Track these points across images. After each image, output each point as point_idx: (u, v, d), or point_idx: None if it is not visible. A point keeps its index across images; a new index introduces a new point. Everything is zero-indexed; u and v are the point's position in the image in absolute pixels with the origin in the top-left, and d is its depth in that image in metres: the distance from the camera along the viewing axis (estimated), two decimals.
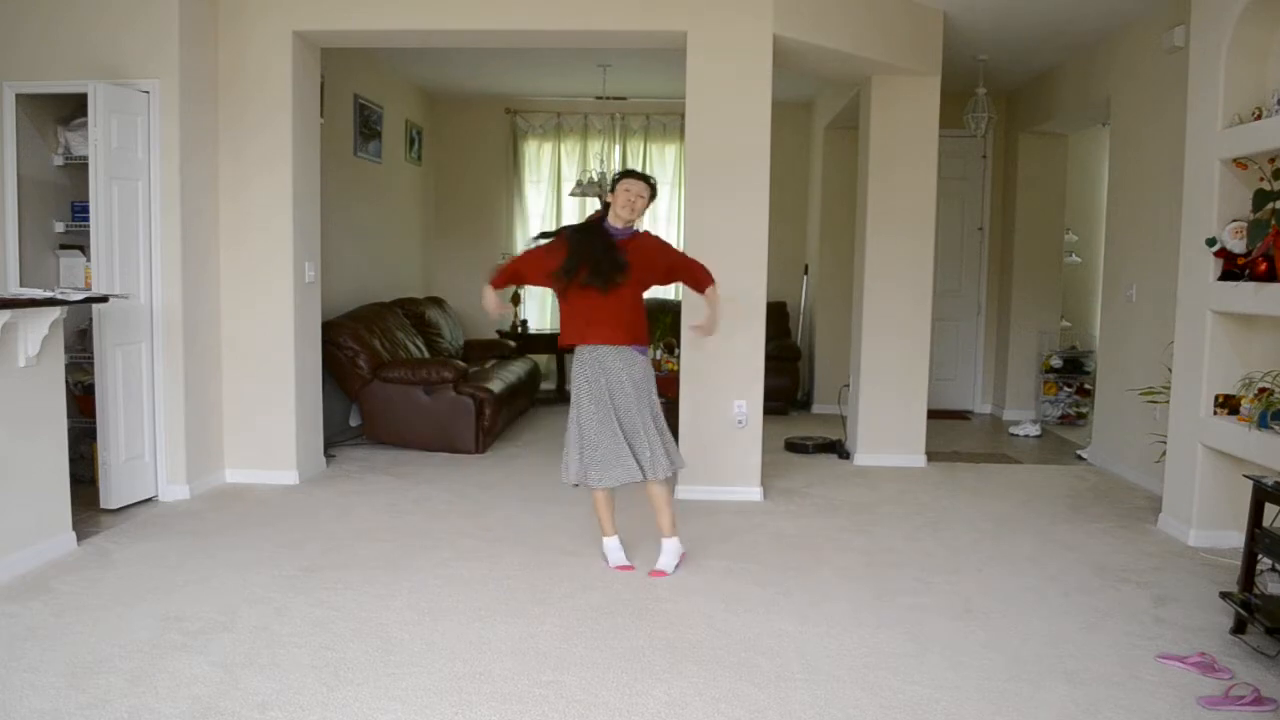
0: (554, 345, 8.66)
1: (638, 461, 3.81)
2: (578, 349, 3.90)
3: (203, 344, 5.08)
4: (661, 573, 3.89)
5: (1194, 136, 4.50)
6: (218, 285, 5.22)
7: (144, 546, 4.12)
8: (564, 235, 3.96)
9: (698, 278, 4.05)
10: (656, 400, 3.95)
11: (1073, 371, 7.76)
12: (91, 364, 4.64)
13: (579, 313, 3.85)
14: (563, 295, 3.87)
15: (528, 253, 4.07)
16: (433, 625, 3.30)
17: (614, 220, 3.89)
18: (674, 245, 4.08)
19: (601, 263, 3.77)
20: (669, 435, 3.97)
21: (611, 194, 3.91)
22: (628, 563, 3.98)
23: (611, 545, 4.01)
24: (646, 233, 3.99)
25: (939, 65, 5.86)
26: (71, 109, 4.85)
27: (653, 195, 3.93)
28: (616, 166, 8.83)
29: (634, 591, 3.68)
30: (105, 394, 4.55)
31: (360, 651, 3.07)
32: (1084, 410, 7.66)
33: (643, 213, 3.89)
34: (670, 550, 3.96)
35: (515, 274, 4.10)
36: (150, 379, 4.82)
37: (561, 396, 8.69)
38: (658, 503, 3.94)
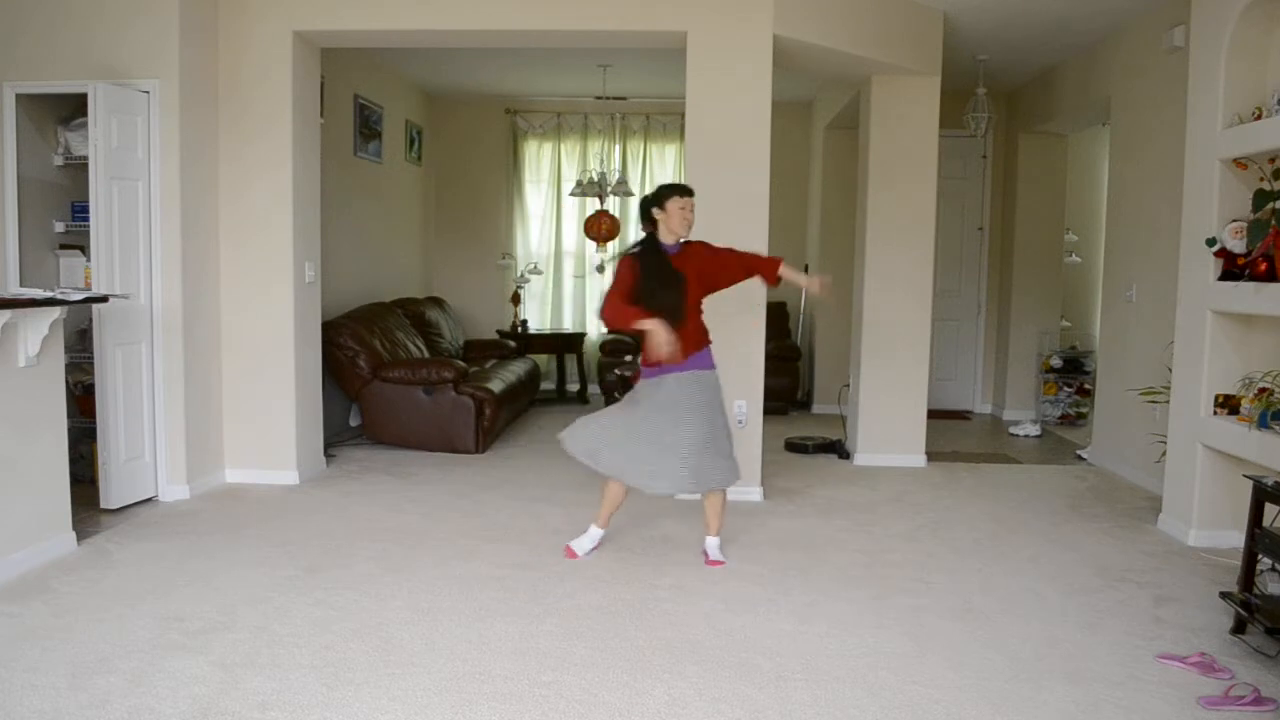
0: (554, 345, 8.67)
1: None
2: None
3: (203, 344, 5.08)
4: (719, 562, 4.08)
5: (1194, 136, 4.50)
6: (218, 285, 5.22)
7: (144, 546, 4.12)
8: (633, 258, 3.95)
9: (757, 267, 4.10)
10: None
11: (1073, 371, 7.75)
12: (91, 364, 4.64)
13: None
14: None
15: (621, 278, 3.94)
16: (433, 625, 3.30)
17: (667, 238, 3.96)
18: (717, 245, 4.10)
19: (669, 292, 3.86)
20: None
21: (662, 210, 3.92)
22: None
23: (597, 534, 4.18)
24: (696, 242, 4.04)
25: (939, 65, 5.86)
26: (71, 109, 4.85)
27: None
28: (617, 166, 8.82)
29: (634, 591, 3.68)
30: (105, 394, 4.55)
31: (360, 651, 3.07)
32: (1084, 410, 7.66)
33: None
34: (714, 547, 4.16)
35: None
36: (150, 379, 4.82)
37: (561, 396, 8.71)
38: (714, 508, 4.11)
